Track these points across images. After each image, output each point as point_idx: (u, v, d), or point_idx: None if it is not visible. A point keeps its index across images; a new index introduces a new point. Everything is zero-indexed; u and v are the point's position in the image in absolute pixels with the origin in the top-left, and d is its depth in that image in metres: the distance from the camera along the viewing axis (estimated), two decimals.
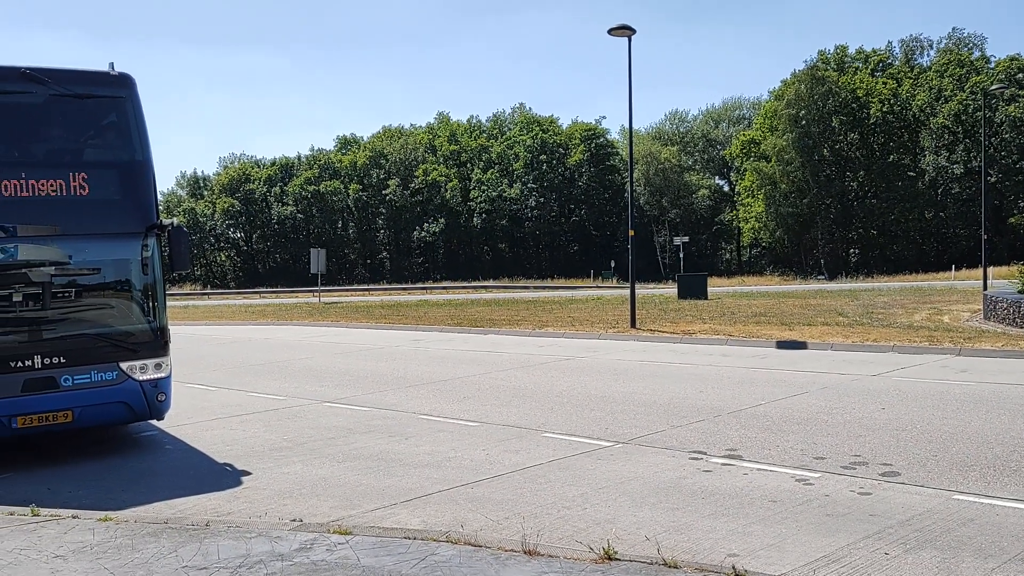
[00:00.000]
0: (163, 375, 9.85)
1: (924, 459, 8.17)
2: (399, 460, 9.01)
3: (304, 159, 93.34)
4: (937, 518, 6.45)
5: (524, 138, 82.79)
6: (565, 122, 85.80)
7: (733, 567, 5.32)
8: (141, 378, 9.66)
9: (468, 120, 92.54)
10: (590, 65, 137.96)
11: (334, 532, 6.35)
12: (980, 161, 43.35)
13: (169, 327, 10.17)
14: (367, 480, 8.26)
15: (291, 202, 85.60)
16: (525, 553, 5.74)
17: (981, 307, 23.15)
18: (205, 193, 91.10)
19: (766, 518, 6.65)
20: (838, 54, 73.64)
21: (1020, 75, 63.45)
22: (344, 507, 7.34)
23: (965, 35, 71.77)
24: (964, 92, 64.68)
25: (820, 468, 8.03)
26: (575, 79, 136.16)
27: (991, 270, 34.95)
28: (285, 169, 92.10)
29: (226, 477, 8.66)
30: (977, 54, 69.56)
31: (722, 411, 10.92)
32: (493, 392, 13.19)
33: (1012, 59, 65.52)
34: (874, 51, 74.09)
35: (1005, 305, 20.41)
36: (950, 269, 52.05)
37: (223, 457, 9.49)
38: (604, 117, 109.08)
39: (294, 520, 6.91)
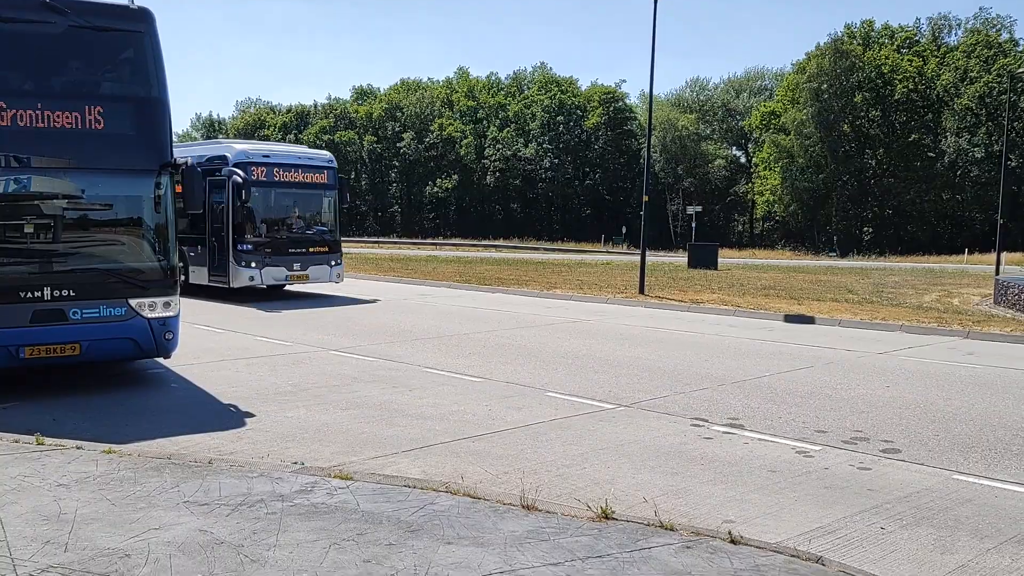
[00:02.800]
0: (171, 314, 9.89)
1: (926, 438, 8.17)
2: (402, 411, 9.06)
3: (320, 108, 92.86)
4: (935, 496, 6.46)
5: (542, 98, 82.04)
6: (584, 84, 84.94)
7: (729, 532, 5.34)
8: (149, 315, 9.69)
9: (487, 77, 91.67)
10: (614, 26, 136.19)
11: (335, 477, 6.40)
12: (1001, 145, 42.83)
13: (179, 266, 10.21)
14: (369, 428, 8.31)
15: None
16: (523, 507, 5.78)
17: (992, 292, 23.01)
18: (220, 136, 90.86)
19: (764, 487, 6.67)
20: (864, 29, 72.44)
21: None
22: (346, 453, 7.39)
23: (992, 15, 70.47)
24: (990, 74, 63.64)
25: (821, 441, 8.04)
26: (598, 41, 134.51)
27: (1004, 255, 34.71)
28: (301, 117, 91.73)
29: (230, 418, 8.72)
30: (1005, 36, 68.31)
31: (726, 380, 10.92)
32: (498, 350, 13.21)
33: None
34: (901, 27, 72.85)
35: (1016, 291, 20.26)
36: (963, 252, 51.70)
37: (228, 398, 9.55)
38: (624, 81, 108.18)
39: (296, 463, 6.97)
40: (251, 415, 8.78)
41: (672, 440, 8.04)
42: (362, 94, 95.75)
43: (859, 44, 70.00)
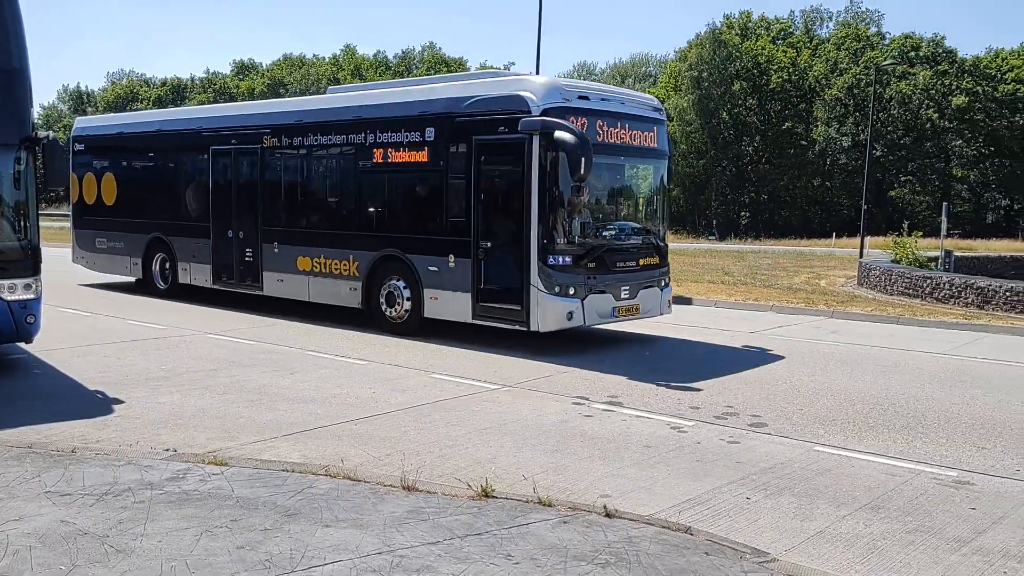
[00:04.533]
0: (32, 296, 9.36)
1: (790, 412, 8.60)
2: (282, 395, 8.88)
3: (198, 82, 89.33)
4: (797, 467, 6.83)
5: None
6: (474, 65, 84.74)
7: (604, 506, 5.50)
8: (9, 298, 9.15)
9: (375, 55, 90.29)
10: (503, 8, 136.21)
11: (209, 463, 6.22)
12: (867, 134, 45.27)
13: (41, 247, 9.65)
14: (248, 413, 8.12)
15: None
16: (404, 488, 5.78)
17: (856, 273, 24.35)
18: (89, 109, 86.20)
19: (640, 462, 6.89)
20: (743, 19, 75.01)
21: (912, 53, 66.13)
22: (222, 439, 7.20)
23: (863, 9, 74.23)
24: (858, 66, 67.01)
25: (694, 417, 8.35)
26: (486, 22, 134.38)
27: (868, 239, 36.72)
28: (177, 91, 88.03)
29: (97, 404, 8.35)
30: (873, 29, 72.07)
31: (606, 358, 11.18)
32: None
33: (906, 37, 68.19)
34: (777, 19, 75.81)
35: (877, 273, 21.53)
36: (832, 236, 54.44)
37: (95, 384, 9.13)
38: (513, 63, 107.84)
39: (167, 450, 6.74)
40: (120, 401, 8.43)
41: (554, 418, 8.19)
42: (243, 69, 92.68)
43: (737, 34, 72.43)
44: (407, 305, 12.55)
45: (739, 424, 8.13)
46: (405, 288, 12.55)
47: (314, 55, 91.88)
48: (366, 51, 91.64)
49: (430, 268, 12.10)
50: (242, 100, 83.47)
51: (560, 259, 10.98)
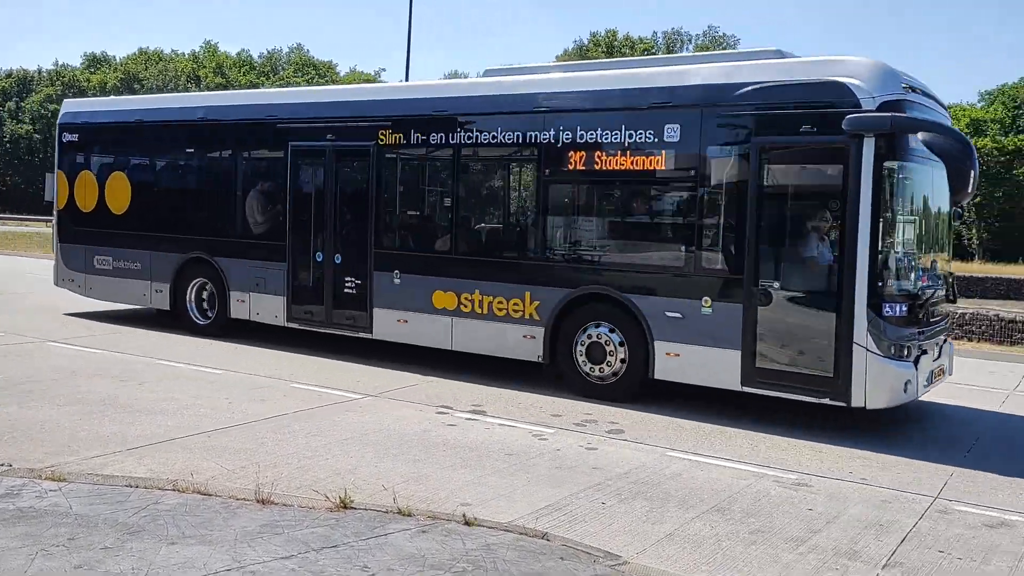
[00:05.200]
0: None
1: (647, 419, 8.88)
2: (129, 406, 8.47)
3: (46, 74, 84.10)
4: (651, 472, 7.07)
5: (299, 80, 79.73)
6: (344, 69, 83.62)
7: (463, 515, 5.53)
8: None
9: (238, 54, 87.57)
10: (375, 14, 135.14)
11: (46, 479, 5.87)
12: None
13: None
14: (91, 425, 7.69)
15: (28, 120, 76.96)
16: (258, 502, 5.62)
17: None
18: None
19: (501, 470, 6.96)
20: (608, 38, 77.29)
21: None
22: (62, 453, 6.79)
23: (720, 34, 77.89)
24: None
25: (556, 425, 8.51)
26: (357, 27, 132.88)
27: None
28: (23, 83, 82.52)
29: None
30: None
31: (474, 368, 11.23)
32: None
33: None
34: (641, 39, 78.52)
35: None
36: None
37: None
38: (384, 70, 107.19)
39: (1, 465, 6.31)
40: None
41: (417, 428, 8.16)
42: (95, 62, 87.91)
43: (604, 52, 74.54)
44: (620, 361, 9.53)
45: (597, 431, 8.34)
46: (616, 336, 9.48)
47: (172, 51, 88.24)
48: (229, 49, 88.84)
49: (668, 313, 9.04)
50: (94, 95, 79.34)
51: (897, 308, 8.16)
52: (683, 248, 9.12)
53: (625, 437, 8.16)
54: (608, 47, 76.02)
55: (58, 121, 15.08)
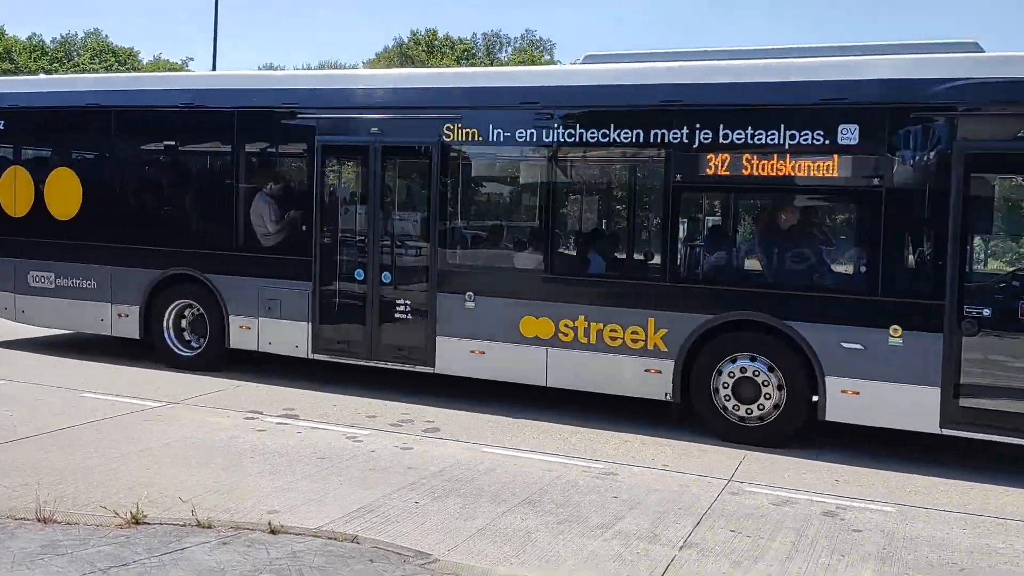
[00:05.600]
0: None
1: (462, 417, 8.92)
2: None
3: None
4: (465, 469, 7.11)
5: (97, 67, 74.38)
6: (147, 57, 78.79)
7: (269, 523, 5.33)
8: None
9: (29, 37, 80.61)
10: (177, 2, 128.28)
11: None
12: None
13: None
14: None
15: None
16: (39, 521, 5.19)
17: None
18: None
19: (312, 475, 6.77)
20: (428, 37, 77.34)
21: None
22: None
23: (537, 38, 79.80)
24: None
25: (371, 426, 8.39)
26: (160, 12, 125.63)
27: None
28: None
29: None
30: (547, 57, 77.76)
31: (288, 371, 10.87)
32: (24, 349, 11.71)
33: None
34: (460, 40, 79.12)
35: None
36: None
37: None
38: (191, 59, 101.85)
39: None
40: None
41: (222, 435, 7.80)
42: None
43: (424, 50, 74.51)
44: (775, 401, 8.12)
45: (414, 430, 8.30)
46: (771, 372, 8.12)
47: None
48: (17, 32, 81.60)
49: (845, 344, 7.76)
50: None
51: None
52: (864, 268, 7.99)
53: (442, 435, 8.16)
54: (428, 46, 76.07)
55: None
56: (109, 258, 10.83)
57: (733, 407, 8.21)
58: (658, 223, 8.82)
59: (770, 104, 8.03)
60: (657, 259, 8.77)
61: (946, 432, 7.48)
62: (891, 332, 7.56)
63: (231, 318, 10.24)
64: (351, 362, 9.83)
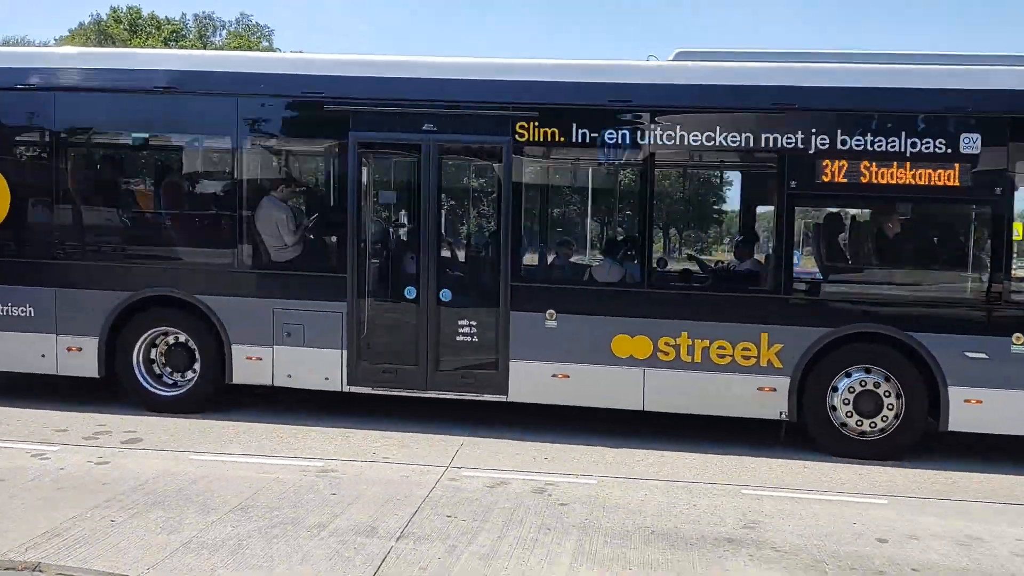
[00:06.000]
0: None
1: (167, 424, 8.34)
2: None
3: None
4: (170, 480, 6.64)
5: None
6: None
7: None
8: None
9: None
10: None
11: None
12: None
13: None
14: None
15: None
16: None
17: None
18: None
19: None
20: (132, 15, 71.49)
21: None
22: None
23: (253, 23, 76.57)
24: None
25: (60, 440, 7.60)
26: None
27: None
28: None
29: None
30: (265, 44, 74.82)
31: None
32: None
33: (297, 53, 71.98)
34: (168, 19, 73.95)
35: None
36: None
37: None
38: None
39: None
40: None
41: None
42: None
43: (126, 29, 68.78)
44: (896, 412, 7.95)
45: (111, 442, 7.62)
46: (888, 383, 7.94)
47: None
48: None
49: (968, 354, 7.73)
50: None
51: None
52: (987, 276, 7.91)
53: (143, 445, 7.57)
54: (131, 25, 70.30)
55: None
56: (52, 277, 8.73)
57: (856, 422, 8.00)
58: (771, 232, 8.41)
59: (893, 110, 7.87)
60: (771, 271, 8.34)
61: None
62: (1014, 340, 7.66)
63: (234, 347, 8.61)
64: (401, 393, 8.63)
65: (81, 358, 8.73)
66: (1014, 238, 7.85)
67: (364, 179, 8.67)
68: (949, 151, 7.70)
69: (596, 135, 8.18)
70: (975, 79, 7.82)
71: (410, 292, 8.46)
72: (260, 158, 9.13)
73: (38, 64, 8.93)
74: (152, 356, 8.88)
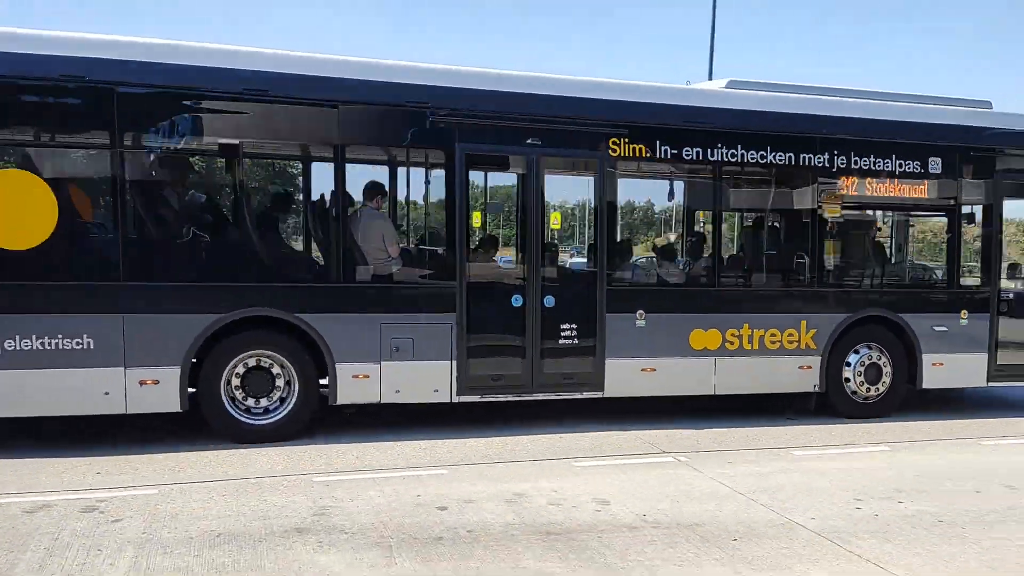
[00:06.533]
0: None
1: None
2: None
3: None
4: None
5: None
6: None
7: None
8: None
9: None
10: None
11: None
12: None
13: None
14: None
15: None
16: None
17: None
18: None
19: None
20: None
21: None
22: None
23: None
24: None
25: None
26: None
27: None
28: None
29: None
30: None
31: None
32: None
33: None
34: None
35: None
36: None
37: None
38: None
39: None
40: None
41: None
42: None
43: None
44: (889, 378, 10.14)
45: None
46: (883, 355, 10.08)
47: None
48: None
49: (936, 328, 10.17)
50: None
51: None
52: (943, 267, 10.47)
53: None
54: None
55: None
56: (118, 302, 7.49)
57: (867, 390, 9.99)
58: (806, 237, 9.85)
59: (888, 139, 9.85)
60: (808, 268, 9.83)
61: (991, 384, 10.40)
62: (961, 315, 10.15)
63: (339, 366, 8.06)
64: (507, 399, 8.82)
65: (158, 392, 7.64)
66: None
67: (471, 192, 8.89)
68: (922, 171, 9.98)
69: (679, 151, 9.22)
70: (934, 115, 10.10)
71: (517, 300, 8.71)
72: (359, 168, 8.85)
73: (100, 53, 7.42)
74: (231, 382, 7.94)
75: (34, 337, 7.31)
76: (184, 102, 7.79)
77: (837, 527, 6.09)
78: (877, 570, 5.34)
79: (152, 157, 8.03)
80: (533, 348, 8.77)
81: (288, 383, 8.08)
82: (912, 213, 11.24)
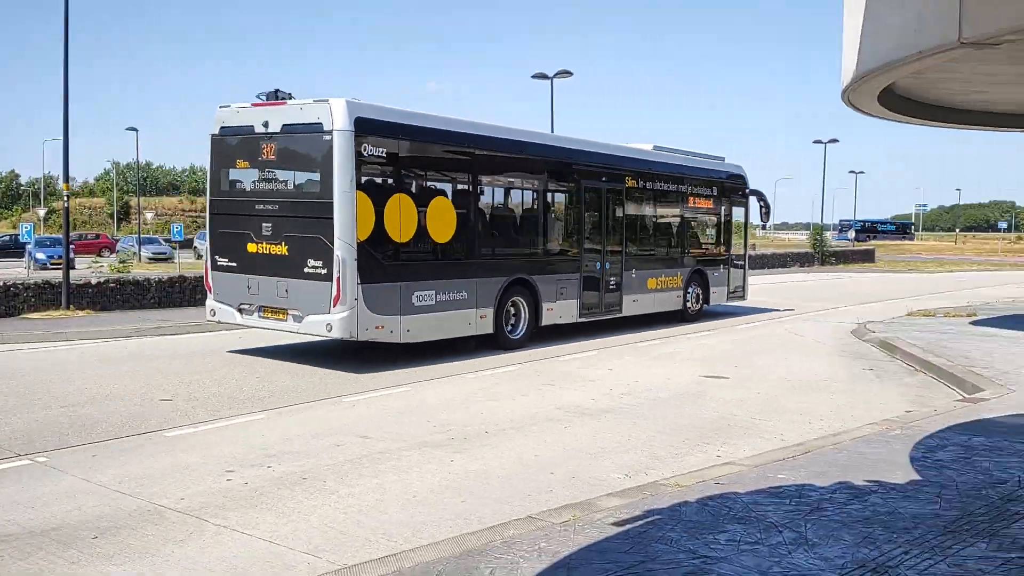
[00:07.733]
0: None
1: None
2: None
3: None
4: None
5: None
6: None
7: None
8: None
9: None
10: None
11: None
12: None
13: None
14: None
15: None
16: None
17: None
18: None
19: None
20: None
21: None
22: None
23: None
24: None
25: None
26: None
27: None
28: None
29: None
30: None
31: None
32: None
33: None
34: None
35: None
36: None
37: None
38: None
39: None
40: None
41: None
42: None
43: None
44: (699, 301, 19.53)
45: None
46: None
47: None
48: None
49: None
50: None
51: None
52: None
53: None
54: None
55: (344, 125, 11.52)
56: (471, 272, 13.67)
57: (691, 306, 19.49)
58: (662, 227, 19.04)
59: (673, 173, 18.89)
60: (665, 243, 19.16)
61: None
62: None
63: (544, 304, 15.32)
64: (591, 320, 16.63)
65: (485, 322, 14.00)
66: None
67: (585, 206, 16.48)
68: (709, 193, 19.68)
69: (640, 185, 17.94)
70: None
71: (597, 266, 16.48)
72: (554, 194, 16.20)
73: (454, 128, 13.99)
74: (511, 314, 14.70)
75: (435, 293, 13.12)
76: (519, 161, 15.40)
77: (207, 503, 6.01)
78: (243, 537, 5.34)
79: (500, 190, 15.38)
80: (601, 292, 16.50)
81: (525, 315, 14.89)
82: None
